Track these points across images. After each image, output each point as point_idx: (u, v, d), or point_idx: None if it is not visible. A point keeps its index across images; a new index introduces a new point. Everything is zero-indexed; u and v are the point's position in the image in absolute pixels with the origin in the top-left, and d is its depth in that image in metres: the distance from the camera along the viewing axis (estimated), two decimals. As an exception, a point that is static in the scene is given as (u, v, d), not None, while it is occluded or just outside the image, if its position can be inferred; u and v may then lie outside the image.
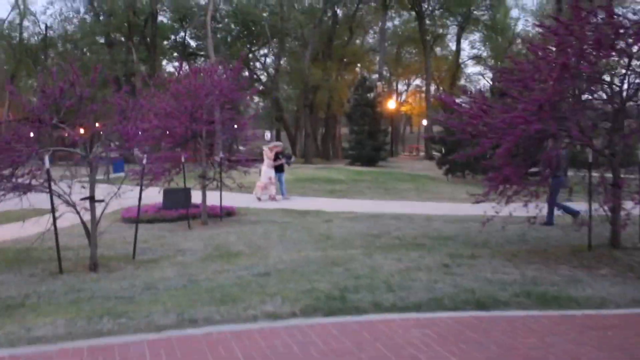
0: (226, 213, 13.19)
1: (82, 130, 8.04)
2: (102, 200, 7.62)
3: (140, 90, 28.66)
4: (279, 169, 17.07)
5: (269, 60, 51.08)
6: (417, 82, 64.61)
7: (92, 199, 7.47)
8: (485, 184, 8.47)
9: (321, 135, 52.58)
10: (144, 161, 8.95)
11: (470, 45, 55.70)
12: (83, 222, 7.70)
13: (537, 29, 9.88)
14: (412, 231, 10.51)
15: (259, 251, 8.72)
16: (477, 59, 53.84)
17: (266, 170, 16.65)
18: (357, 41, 54.26)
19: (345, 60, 48.72)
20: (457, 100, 9.11)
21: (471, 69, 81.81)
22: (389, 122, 46.21)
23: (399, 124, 68.54)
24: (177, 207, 12.81)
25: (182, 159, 11.80)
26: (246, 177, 13.40)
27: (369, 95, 34.78)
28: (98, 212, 7.81)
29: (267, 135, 20.38)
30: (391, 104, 48.73)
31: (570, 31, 7.41)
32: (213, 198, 12.57)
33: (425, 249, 8.54)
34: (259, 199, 16.46)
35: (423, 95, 60.55)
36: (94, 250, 7.67)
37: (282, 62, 50.12)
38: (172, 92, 11.91)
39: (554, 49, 7.80)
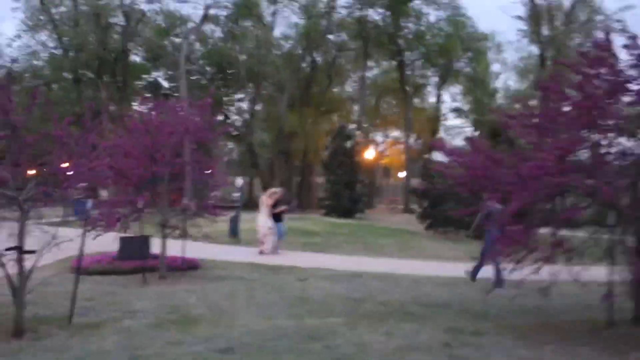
0: (189, 266, 11.96)
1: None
2: (33, 252, 6.40)
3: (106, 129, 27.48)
4: (277, 219, 15.85)
5: (244, 105, 50.54)
6: (396, 133, 64.40)
7: (19, 249, 6.25)
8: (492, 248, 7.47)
9: (296, 184, 51.57)
10: (89, 205, 7.78)
11: (452, 98, 55.76)
12: (8, 277, 6.45)
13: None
14: (399, 296, 9.40)
15: (223, 317, 7.53)
16: (458, 111, 53.81)
17: (264, 220, 15.52)
18: (335, 90, 53.98)
19: (322, 108, 48.17)
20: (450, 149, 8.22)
21: (452, 121, 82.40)
22: (367, 174, 45.42)
23: (376, 175, 67.99)
24: (134, 258, 11.54)
25: (139, 204, 10.60)
26: (214, 226, 12.25)
27: (347, 144, 33.92)
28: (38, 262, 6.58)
29: (239, 182, 19.35)
30: (369, 155, 48.07)
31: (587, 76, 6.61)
32: (177, 248, 11.41)
33: (418, 320, 7.44)
34: (262, 252, 15.22)
35: (401, 146, 60.30)
36: (20, 311, 6.41)
37: (258, 107, 49.55)
38: (130, 129, 10.82)
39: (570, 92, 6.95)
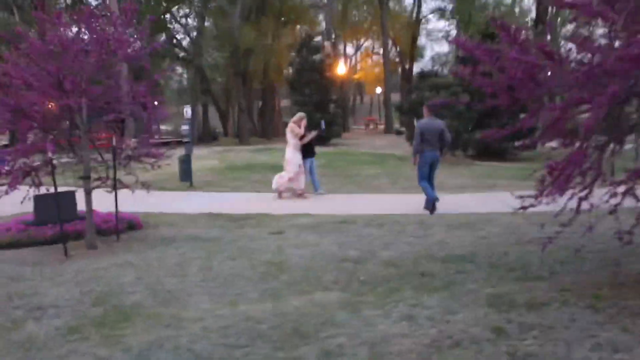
0: (127, 226, 10.29)
1: None
2: None
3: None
4: (308, 153, 14.09)
5: (192, 21, 47.60)
6: (368, 44, 62.22)
7: None
8: (545, 178, 5.89)
9: (258, 110, 49.57)
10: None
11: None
12: None
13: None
14: (407, 248, 7.87)
15: (169, 305, 5.91)
16: (441, 12, 51.71)
17: (292, 154, 13.78)
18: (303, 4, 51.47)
19: (283, 19, 45.63)
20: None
21: (434, 24, 79.96)
22: (339, 91, 43.55)
23: (349, 93, 66.11)
24: (54, 222, 9.76)
25: (49, 152, 8.73)
26: (156, 170, 10.49)
27: (315, 57, 31.80)
28: None
29: (187, 111, 17.31)
30: (340, 70, 46.11)
31: None
32: (126, 201, 9.77)
33: (444, 288, 5.92)
34: (280, 196, 13.82)
35: (376, 58, 58.33)
36: None
37: (207, 23, 46.82)
38: (31, 52, 8.84)
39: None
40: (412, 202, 12.34)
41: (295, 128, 13.77)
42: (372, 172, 17.93)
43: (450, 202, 12.16)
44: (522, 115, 23.71)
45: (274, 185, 13.85)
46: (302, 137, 13.71)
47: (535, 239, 8.13)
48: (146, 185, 9.72)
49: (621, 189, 5.37)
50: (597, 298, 5.29)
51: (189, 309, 5.72)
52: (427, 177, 11.91)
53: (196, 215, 11.67)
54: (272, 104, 50.84)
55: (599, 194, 5.63)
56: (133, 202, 10.72)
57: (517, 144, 26.73)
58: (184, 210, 12.31)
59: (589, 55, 5.26)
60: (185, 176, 15.80)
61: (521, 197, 6.16)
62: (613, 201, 5.43)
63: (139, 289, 6.50)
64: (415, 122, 23.81)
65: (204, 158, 22.93)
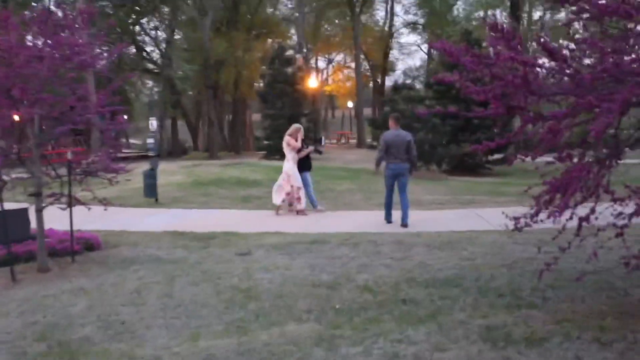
0: (85, 247, 9.56)
1: None
2: None
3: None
4: (304, 166, 13.26)
5: (163, 34, 46.68)
6: (340, 57, 61.85)
7: None
8: (542, 196, 5.38)
9: (228, 124, 48.82)
10: None
11: (404, 11, 53.40)
12: None
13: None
14: (385, 271, 7.29)
15: (121, 340, 5.25)
16: (413, 25, 51.50)
17: (293, 168, 12.92)
18: (270, 10, 50.90)
19: (255, 32, 45.04)
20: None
21: (405, 37, 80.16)
22: (312, 105, 43.00)
23: (321, 107, 65.63)
24: (2, 243, 9.02)
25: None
26: (121, 185, 9.80)
27: (287, 70, 31.21)
28: None
29: (153, 124, 16.41)
30: (312, 83, 45.60)
31: None
32: (87, 219, 9.01)
33: (429, 318, 5.35)
34: (278, 212, 13.05)
35: (348, 72, 57.95)
36: None
37: (178, 35, 45.99)
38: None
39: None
40: (386, 223, 11.82)
41: (291, 141, 12.97)
42: (345, 187, 17.37)
43: (428, 219, 11.64)
44: (495, 130, 23.19)
45: (276, 200, 13.02)
46: (299, 150, 13.02)
47: (523, 259, 7.68)
48: (104, 202, 9.00)
49: (629, 208, 4.86)
50: (602, 330, 4.76)
51: (143, 344, 5.08)
52: (391, 190, 11.55)
53: (160, 233, 10.98)
54: (243, 118, 50.14)
55: (597, 212, 5.12)
56: (95, 219, 10.05)
57: (493, 157, 26.60)
58: (148, 228, 11.62)
59: (596, 56, 4.75)
60: (150, 192, 15.04)
61: (516, 218, 5.57)
62: (618, 221, 4.92)
63: (90, 321, 5.83)
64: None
65: (171, 173, 22.16)
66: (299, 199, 12.82)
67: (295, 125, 13.60)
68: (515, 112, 5.53)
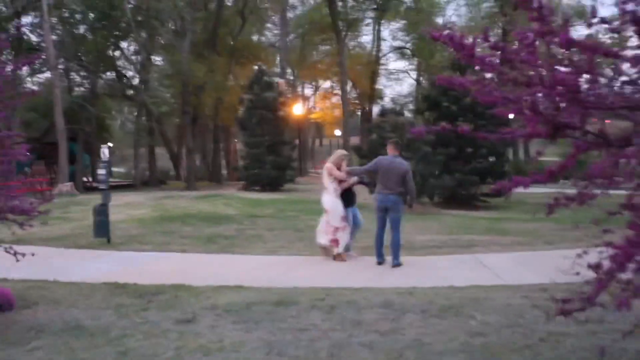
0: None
1: None
2: None
3: None
4: (348, 201, 11.02)
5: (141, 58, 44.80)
6: (327, 84, 60.30)
7: None
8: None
9: (212, 152, 46.92)
10: None
11: (392, 36, 51.90)
12: None
13: None
14: (368, 354, 5.33)
15: None
16: (400, 51, 50.00)
17: (333, 203, 10.77)
18: (255, 37, 49.45)
19: (236, 56, 43.27)
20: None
21: (393, 64, 78.97)
22: (296, 133, 41.20)
23: (307, 135, 63.93)
24: None
25: None
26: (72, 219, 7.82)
27: (268, 95, 29.27)
28: None
29: (104, 152, 14.12)
30: (297, 110, 43.88)
31: None
32: (21, 263, 7.03)
33: None
34: (330, 253, 10.81)
35: (335, 99, 56.36)
36: None
37: (159, 59, 44.31)
38: None
39: None
40: (374, 268, 9.87)
41: (333, 170, 10.76)
42: (326, 224, 15.41)
43: (423, 268, 9.73)
44: (491, 158, 21.37)
45: (322, 241, 10.88)
46: (341, 182, 10.91)
47: (552, 336, 5.73)
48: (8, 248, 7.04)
49: None
50: None
51: None
52: (382, 226, 10.06)
53: (97, 285, 8.95)
54: (227, 146, 48.28)
55: None
56: (25, 265, 8.00)
57: (492, 188, 24.75)
58: (85, 277, 9.59)
59: None
60: (101, 231, 12.98)
61: (565, 300, 3.71)
62: None
63: None
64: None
65: (136, 206, 20.21)
66: (335, 241, 10.67)
67: (338, 152, 11.50)
68: (564, 134, 3.63)
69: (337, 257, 10.63)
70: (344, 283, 8.56)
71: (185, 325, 6.58)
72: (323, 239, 10.78)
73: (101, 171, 13.45)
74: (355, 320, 6.46)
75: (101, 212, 13.01)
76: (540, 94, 3.44)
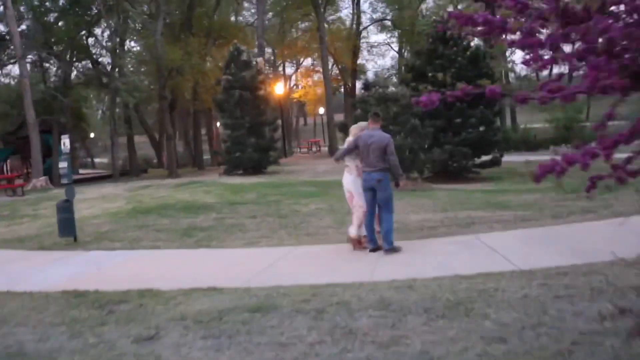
0: None
1: None
2: None
3: None
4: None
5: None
6: (308, 62, 58.92)
7: None
8: None
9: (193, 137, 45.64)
10: None
11: (372, 8, 50.55)
12: None
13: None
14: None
15: None
16: (381, 23, 48.71)
17: (354, 183, 9.27)
18: (233, 18, 48.08)
19: (213, 37, 41.83)
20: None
21: (375, 37, 77.94)
22: (279, 113, 39.92)
23: (291, 115, 62.72)
24: None
25: None
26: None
27: (246, 74, 27.93)
28: None
29: (65, 144, 12.64)
30: (279, 89, 42.63)
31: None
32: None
33: None
34: (356, 244, 9.30)
35: (317, 77, 55.05)
36: None
37: (135, 44, 42.96)
38: None
39: None
40: (364, 257, 8.81)
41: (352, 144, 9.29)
42: (311, 208, 14.26)
43: (420, 254, 8.68)
44: (481, 128, 20.29)
45: (352, 232, 9.31)
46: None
47: (587, 336, 4.73)
48: None
49: None
50: None
51: None
52: (371, 208, 9.00)
53: (53, 295, 7.86)
54: (210, 130, 46.93)
55: None
56: None
57: (480, 160, 23.77)
58: (43, 284, 8.50)
59: None
60: (66, 229, 11.83)
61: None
62: None
63: None
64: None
65: (111, 199, 19.04)
66: (360, 224, 9.18)
67: (360, 124, 9.76)
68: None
69: (356, 243, 9.27)
70: (333, 278, 7.49)
71: (146, 344, 5.51)
72: (355, 229, 9.26)
73: (62, 164, 12.26)
74: (348, 328, 5.40)
75: (65, 209, 11.88)
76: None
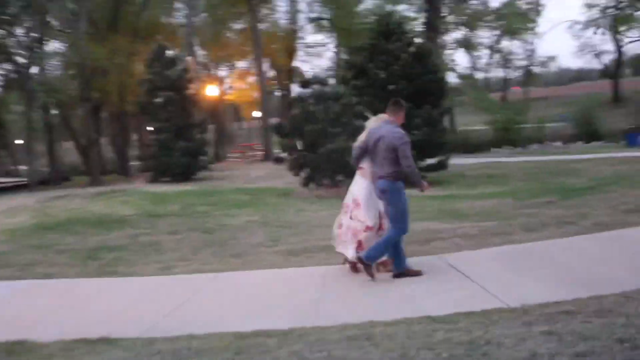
0: None
1: None
2: None
3: None
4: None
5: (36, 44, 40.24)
6: (243, 65, 56.80)
7: None
8: None
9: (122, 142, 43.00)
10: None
11: (309, 9, 48.90)
12: None
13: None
14: None
15: None
16: (318, 22, 47.17)
17: (367, 191, 7.35)
18: (164, 18, 45.67)
19: (140, 36, 39.39)
20: None
21: (313, 37, 76.52)
22: (210, 116, 37.80)
23: (225, 118, 60.46)
24: None
25: None
26: None
27: (170, 72, 25.80)
28: None
29: None
30: (212, 91, 40.55)
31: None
32: None
33: None
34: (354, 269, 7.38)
35: (252, 79, 53.06)
36: None
37: (59, 44, 40.01)
38: None
39: None
40: (303, 287, 7.02)
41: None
42: (243, 220, 12.40)
43: (378, 283, 6.96)
44: (425, 129, 18.56)
45: (348, 252, 7.41)
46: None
47: None
48: None
49: None
50: None
51: None
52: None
53: None
54: (140, 134, 44.36)
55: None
56: None
57: (425, 163, 22.31)
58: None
59: None
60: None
61: None
62: None
63: None
64: (298, 145, 18.67)
65: (17, 212, 16.78)
66: (359, 243, 7.23)
67: (381, 116, 7.51)
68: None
69: (351, 266, 7.43)
70: (264, 321, 5.68)
71: None
72: (349, 249, 7.41)
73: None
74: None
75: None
76: None
